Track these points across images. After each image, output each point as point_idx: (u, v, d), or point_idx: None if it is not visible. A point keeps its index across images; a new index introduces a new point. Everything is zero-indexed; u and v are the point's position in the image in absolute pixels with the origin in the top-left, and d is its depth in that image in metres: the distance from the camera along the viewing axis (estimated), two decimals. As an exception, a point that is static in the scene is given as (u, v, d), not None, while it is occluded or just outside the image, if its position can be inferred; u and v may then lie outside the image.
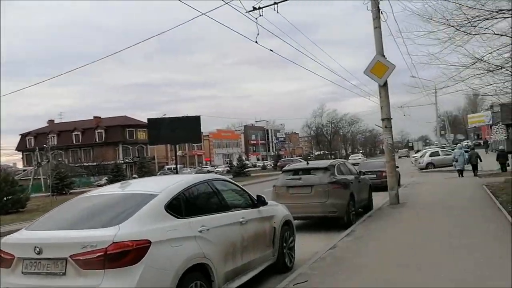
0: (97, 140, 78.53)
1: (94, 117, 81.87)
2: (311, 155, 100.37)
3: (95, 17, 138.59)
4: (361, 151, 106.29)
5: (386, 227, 9.23)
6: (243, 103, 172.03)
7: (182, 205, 4.70)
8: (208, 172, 59.03)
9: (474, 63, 11.26)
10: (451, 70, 12.02)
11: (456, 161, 22.61)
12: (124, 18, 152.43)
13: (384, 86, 12.91)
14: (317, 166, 10.58)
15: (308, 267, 6.32)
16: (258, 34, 11.89)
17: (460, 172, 22.55)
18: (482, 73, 11.48)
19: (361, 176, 12.23)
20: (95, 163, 72.33)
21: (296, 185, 10.11)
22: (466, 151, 24.38)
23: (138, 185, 5.34)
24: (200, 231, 4.60)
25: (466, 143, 56.61)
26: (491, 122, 63.03)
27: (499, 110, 48.18)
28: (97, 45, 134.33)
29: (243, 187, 6.34)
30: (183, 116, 31.80)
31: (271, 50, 14.94)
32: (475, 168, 22.53)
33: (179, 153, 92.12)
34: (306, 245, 8.53)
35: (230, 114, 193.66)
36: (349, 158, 67.08)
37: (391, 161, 12.96)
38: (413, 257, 6.41)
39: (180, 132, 26.35)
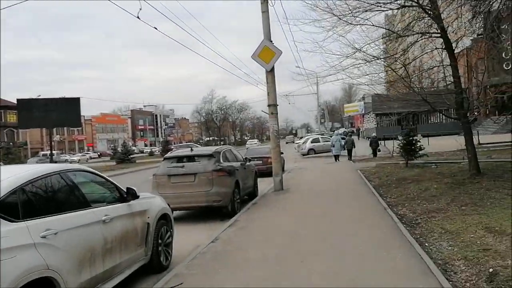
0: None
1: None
2: (201, 141, 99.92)
3: None
4: (256, 138, 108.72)
5: (269, 215, 9.06)
6: (133, 87, 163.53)
7: (19, 205, 3.66)
8: (68, 162, 50.35)
9: (354, 53, 11.69)
10: (333, 59, 12.36)
11: (333, 146, 23.99)
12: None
13: (271, 72, 12.79)
14: (201, 153, 9.97)
15: (186, 265, 5.70)
16: (140, 9, 10.78)
17: (336, 156, 23.99)
18: (360, 63, 12.00)
19: (247, 163, 11.98)
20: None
21: (178, 173, 9.38)
22: (343, 138, 26.28)
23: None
24: (44, 236, 3.65)
25: (344, 130, 61.56)
26: (363, 112, 69.45)
27: (371, 101, 53.20)
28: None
29: (109, 179, 5.39)
30: (60, 98, 28.61)
31: (155, 28, 13.86)
32: (350, 153, 24.27)
33: (57, 138, 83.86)
34: (188, 238, 7.92)
35: (118, 98, 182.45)
36: (247, 143, 67.91)
37: (276, 147, 12.97)
38: (296, 248, 6.21)
39: (57, 115, 23.88)
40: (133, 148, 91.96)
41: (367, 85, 12.75)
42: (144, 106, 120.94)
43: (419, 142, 15.63)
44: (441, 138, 34.54)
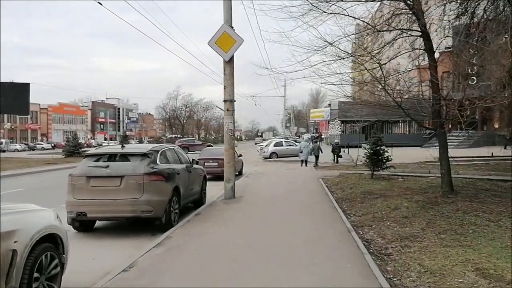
0: None
1: None
2: (164, 137, 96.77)
3: None
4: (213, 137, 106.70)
5: (211, 231, 7.41)
6: (95, 78, 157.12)
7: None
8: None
9: (325, 47, 10.26)
10: (301, 53, 10.90)
11: (301, 152, 23.59)
12: None
13: (229, 63, 11.16)
14: (133, 151, 8.16)
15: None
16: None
17: (304, 162, 23.45)
18: (330, 61, 10.59)
19: (194, 166, 10.27)
20: None
21: (100, 175, 7.55)
22: (315, 142, 26.40)
23: None
24: None
25: (312, 135, 60.95)
26: (329, 118, 69.14)
27: (337, 107, 52.69)
28: None
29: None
30: (6, 82, 25.63)
31: (99, 3, 11.95)
32: (316, 159, 23.70)
33: (7, 125, 78.72)
34: (100, 259, 6.20)
35: (80, 88, 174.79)
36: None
37: (230, 149, 11.34)
38: (235, 279, 4.61)
39: (2, 101, 21.19)
40: (92, 141, 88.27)
41: (336, 85, 11.33)
42: (107, 98, 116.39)
43: (387, 152, 14.47)
44: (404, 149, 34.03)
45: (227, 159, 11.32)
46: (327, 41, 10.14)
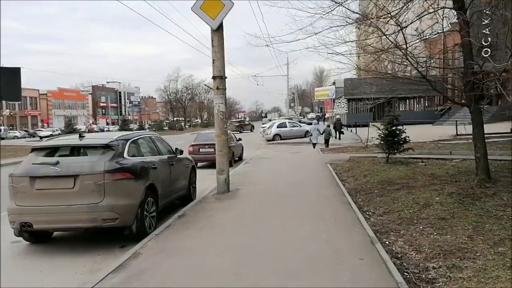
0: None
1: None
2: (166, 121, 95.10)
3: None
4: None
5: (192, 246, 5.74)
6: (97, 64, 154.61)
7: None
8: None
9: (333, 10, 8.41)
10: (303, 17, 9.06)
11: (311, 135, 22.91)
12: None
13: (218, 31, 9.33)
14: (92, 143, 6.44)
15: None
16: None
17: (314, 144, 22.43)
18: (339, 26, 8.73)
19: (178, 156, 8.57)
20: None
21: (48, 174, 5.86)
22: (328, 125, 25.56)
23: None
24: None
25: (316, 115, 59.05)
26: (334, 97, 66.95)
27: (342, 85, 50.48)
28: None
29: None
30: (-4, 66, 24.09)
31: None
32: (327, 142, 22.62)
33: (6, 112, 77.43)
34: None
35: (80, 74, 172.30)
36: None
37: (222, 135, 9.60)
38: None
39: None
40: (94, 126, 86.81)
41: (346, 55, 9.47)
42: (108, 82, 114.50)
43: (404, 132, 12.65)
44: (414, 127, 32.14)
45: (219, 146, 9.60)
46: (334, 1, 8.29)
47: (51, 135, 47.94)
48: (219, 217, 7.22)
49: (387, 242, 5.44)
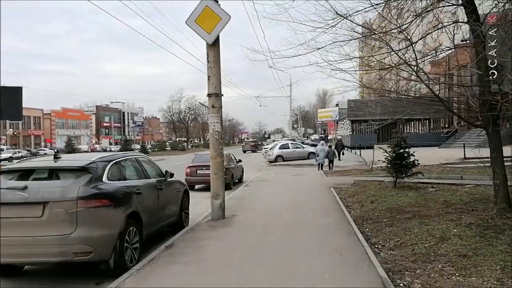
0: None
1: None
2: (170, 141, 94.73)
3: None
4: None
5: (178, 283, 4.98)
6: (102, 84, 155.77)
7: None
8: None
9: (337, 24, 7.83)
10: (305, 31, 8.51)
11: (318, 156, 22.66)
12: None
13: (214, 46, 8.75)
14: (66, 165, 5.76)
15: None
16: None
17: (321, 165, 22.22)
18: (344, 41, 8.14)
19: (168, 179, 7.85)
20: None
21: (13, 201, 5.16)
22: (330, 146, 25.44)
23: None
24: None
25: (319, 136, 58.68)
26: (337, 118, 66.46)
27: (346, 107, 50.00)
28: None
29: None
30: (-5, 86, 23.84)
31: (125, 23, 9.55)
32: (331, 163, 22.53)
33: (9, 131, 77.35)
34: None
35: (85, 94, 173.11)
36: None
37: (217, 157, 8.90)
38: None
39: None
40: (97, 146, 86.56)
41: (350, 73, 8.83)
42: (111, 102, 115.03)
43: (413, 156, 11.91)
44: (420, 150, 31.32)
45: (214, 169, 8.89)
46: (340, 14, 7.71)
47: (11, 157, 45.08)
48: (210, 249, 6.44)
49: (401, 285, 4.66)
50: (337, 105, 72.21)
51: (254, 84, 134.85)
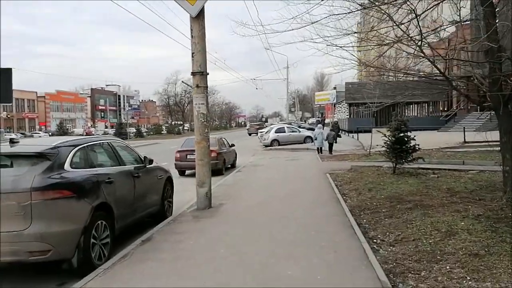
0: None
1: None
2: (166, 125, 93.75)
3: None
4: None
5: (147, 285, 4.34)
6: (98, 67, 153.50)
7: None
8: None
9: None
10: (298, 3, 7.72)
11: (316, 139, 22.23)
12: None
13: (198, 19, 7.95)
14: (21, 151, 5.05)
15: None
16: None
17: (319, 149, 21.75)
18: (341, 14, 7.36)
19: (148, 166, 7.15)
20: None
21: (-45, 193, 4.46)
22: (332, 130, 24.59)
23: None
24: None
25: (316, 120, 58.05)
26: (335, 101, 65.61)
27: (343, 90, 49.10)
28: None
29: None
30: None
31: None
32: (330, 147, 21.75)
33: (3, 114, 76.14)
34: None
35: (82, 76, 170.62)
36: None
37: (202, 141, 8.19)
38: None
39: None
40: (92, 129, 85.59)
41: (347, 49, 8.05)
42: (107, 85, 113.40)
43: (413, 140, 11.23)
44: (419, 134, 30.67)
45: (199, 155, 8.20)
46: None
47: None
48: (189, 245, 5.79)
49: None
50: (334, 88, 71.21)
51: (250, 67, 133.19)
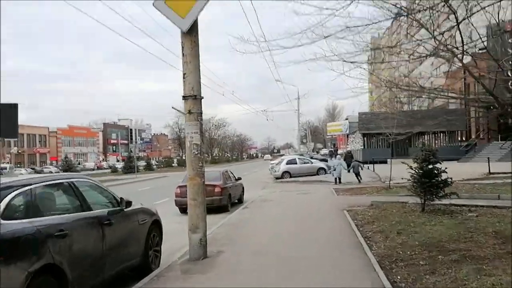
0: None
1: None
2: (178, 157, 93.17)
3: None
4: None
5: None
6: (112, 102, 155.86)
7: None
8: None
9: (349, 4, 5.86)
10: (307, 14, 6.56)
11: (334, 170, 21.91)
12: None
13: (190, 35, 6.77)
14: None
15: None
16: None
17: (338, 179, 21.36)
18: (360, 25, 6.15)
19: (125, 210, 5.79)
20: None
21: None
22: (351, 161, 25.12)
23: None
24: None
25: (329, 150, 56.86)
26: (347, 132, 64.27)
27: (356, 121, 47.81)
28: None
29: None
30: (-11, 104, 22.50)
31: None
32: (358, 176, 21.60)
33: (14, 150, 76.23)
34: None
35: (94, 112, 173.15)
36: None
37: (195, 177, 6.81)
38: None
39: None
40: (103, 163, 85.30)
41: (366, 68, 6.79)
42: (119, 119, 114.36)
43: (445, 172, 9.73)
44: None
45: (191, 193, 6.80)
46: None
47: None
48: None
49: None
50: (346, 118, 70.17)
51: (261, 100, 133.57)
